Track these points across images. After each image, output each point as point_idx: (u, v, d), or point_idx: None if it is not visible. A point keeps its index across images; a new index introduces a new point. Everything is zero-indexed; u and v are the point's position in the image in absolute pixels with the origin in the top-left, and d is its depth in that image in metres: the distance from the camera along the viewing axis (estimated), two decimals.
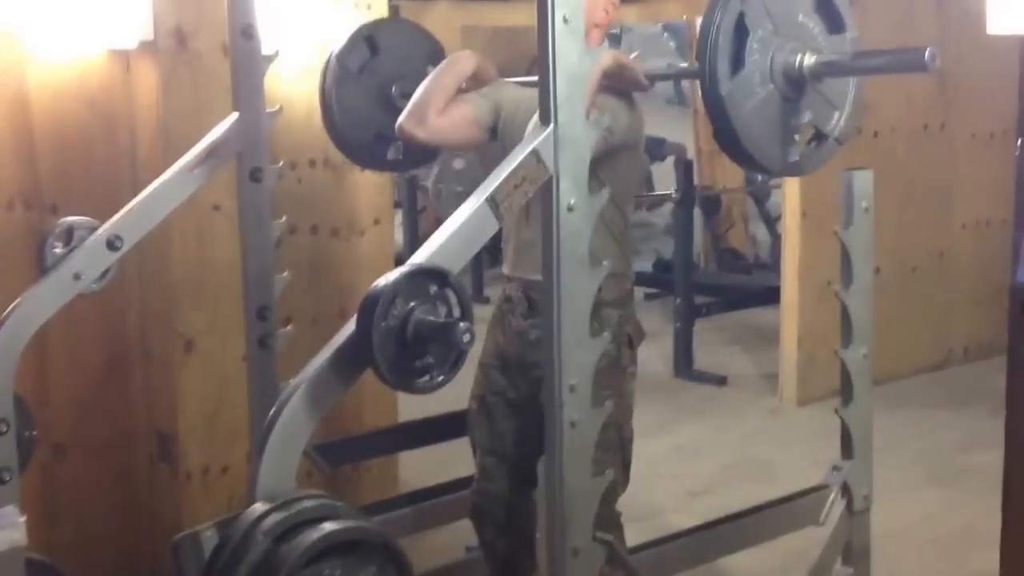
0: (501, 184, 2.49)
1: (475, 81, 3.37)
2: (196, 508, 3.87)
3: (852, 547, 3.22)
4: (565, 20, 2.40)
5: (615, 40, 9.40)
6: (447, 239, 2.46)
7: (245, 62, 3.39)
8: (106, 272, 3.16)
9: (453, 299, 2.37)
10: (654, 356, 6.79)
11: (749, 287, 7.77)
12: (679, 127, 8.97)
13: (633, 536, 3.24)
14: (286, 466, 2.32)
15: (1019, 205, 2.03)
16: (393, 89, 3.65)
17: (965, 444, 5.11)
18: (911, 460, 5.11)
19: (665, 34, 9.11)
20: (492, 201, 2.50)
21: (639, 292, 7.71)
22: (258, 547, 2.18)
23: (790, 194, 5.91)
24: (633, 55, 3.15)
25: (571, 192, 2.50)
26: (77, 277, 3.06)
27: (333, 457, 3.78)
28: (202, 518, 3.53)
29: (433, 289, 2.35)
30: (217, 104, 3.59)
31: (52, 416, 3.83)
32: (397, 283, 2.29)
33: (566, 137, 2.48)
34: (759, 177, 8.02)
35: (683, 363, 6.62)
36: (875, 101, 6.10)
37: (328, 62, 3.63)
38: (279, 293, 3.47)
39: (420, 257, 2.42)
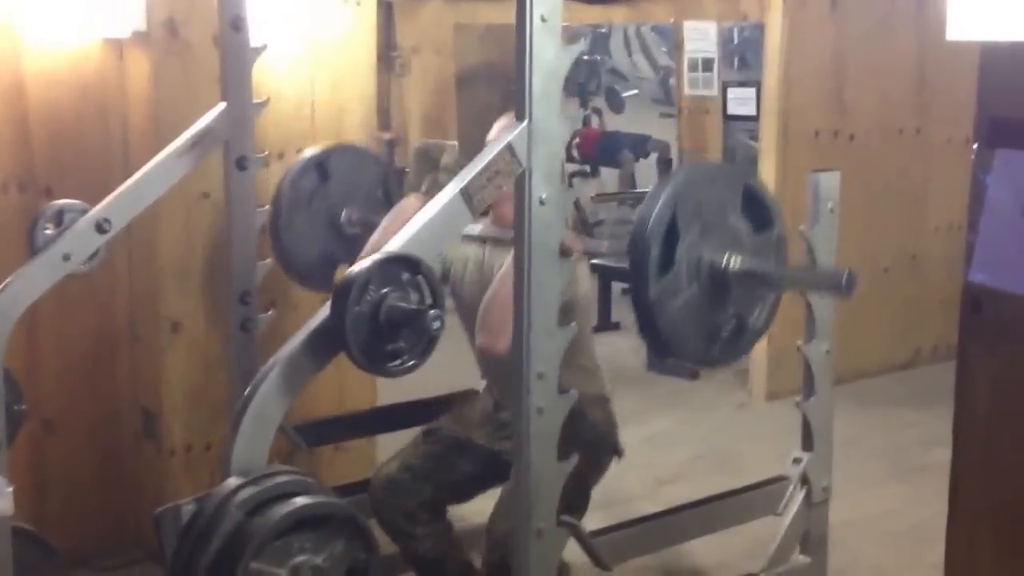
0: (475, 177, 2.59)
1: None
2: (179, 483, 3.96)
3: (810, 537, 3.29)
4: (543, 19, 2.49)
5: (603, 39, 9.45)
6: (420, 229, 2.55)
7: (234, 53, 3.50)
8: (95, 254, 3.26)
9: (425, 287, 2.48)
10: (628, 349, 6.87)
11: None
12: (665, 125, 9.06)
13: (602, 522, 3.30)
14: (260, 443, 2.41)
15: (972, 207, 2.13)
16: (343, 215, 3.82)
17: (928, 442, 5.17)
18: (875, 456, 5.22)
19: (653, 33, 9.20)
20: (466, 193, 2.59)
21: (617, 287, 7.79)
22: (231, 519, 2.28)
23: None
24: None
25: (543, 186, 2.59)
26: (66, 258, 3.16)
27: (312, 437, 3.89)
28: (185, 493, 3.59)
29: (406, 276, 2.46)
30: (207, 94, 3.70)
31: (42, 393, 3.93)
32: (370, 270, 2.40)
33: (540, 132, 2.58)
34: None
35: (656, 357, 6.63)
36: (852, 104, 6.20)
37: (280, 188, 3.76)
38: (262, 279, 3.58)
39: (394, 246, 2.53)
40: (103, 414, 4.08)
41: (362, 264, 2.41)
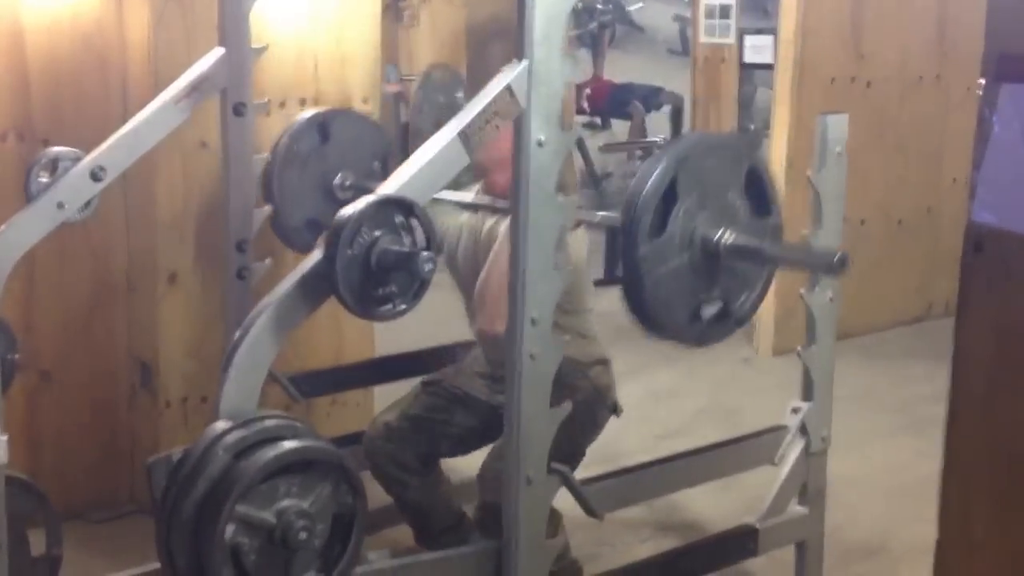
0: (474, 119, 2.55)
1: None
2: (175, 436, 3.92)
3: (808, 487, 3.28)
4: None
5: None
6: (417, 171, 2.52)
7: None
8: (90, 202, 3.22)
9: (419, 230, 2.44)
10: None
11: None
12: (681, 77, 8.96)
13: None
14: (249, 387, 2.39)
15: (977, 145, 2.09)
16: (337, 178, 3.76)
17: (939, 395, 5.01)
18: (885, 409, 5.17)
19: None
20: (463, 135, 2.56)
21: None
22: (218, 462, 2.26)
23: (777, 144, 5.87)
24: None
25: (541, 128, 2.57)
26: (60, 207, 3.11)
27: (309, 388, 3.86)
28: (181, 445, 3.62)
29: (399, 219, 2.42)
30: (207, 42, 3.63)
31: (39, 344, 3.91)
32: (363, 212, 2.36)
33: (540, 73, 2.55)
34: (751, 126, 7.98)
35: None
36: (870, 50, 6.08)
37: (278, 142, 3.69)
38: (259, 227, 3.55)
39: (389, 188, 2.49)
40: (100, 366, 4.06)
41: (355, 206, 2.37)
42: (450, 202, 3.45)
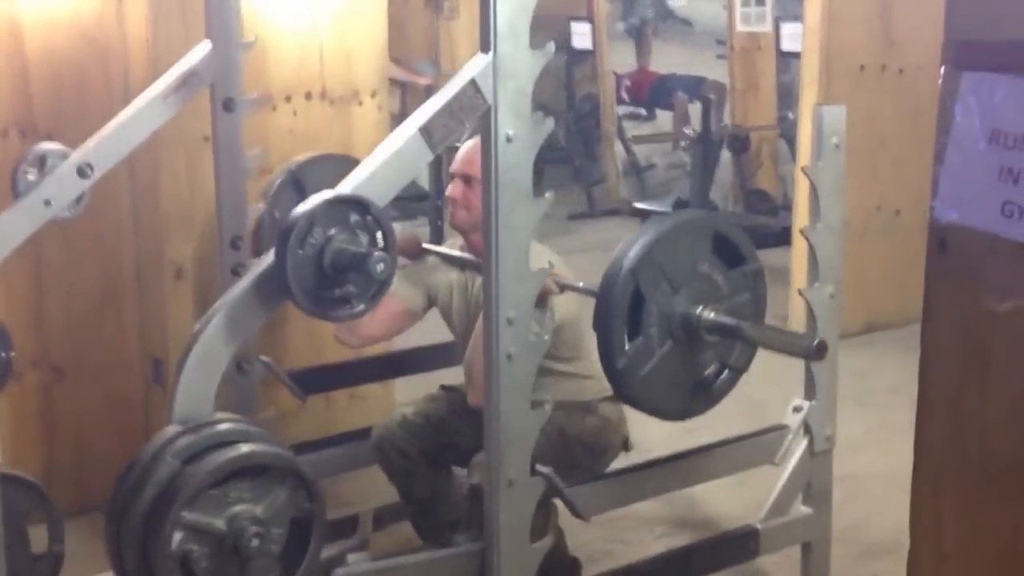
0: (437, 114, 2.49)
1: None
2: None
3: (812, 488, 3.20)
4: None
5: None
6: (377, 169, 2.46)
7: None
8: (80, 199, 3.19)
9: (377, 230, 2.38)
10: None
11: (770, 228, 7.47)
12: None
13: None
14: (203, 390, 2.36)
15: (939, 136, 1.99)
16: None
17: None
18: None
19: None
20: (426, 131, 2.50)
21: None
22: (166, 467, 2.22)
23: (805, 134, 5.67)
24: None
25: (510, 123, 2.50)
26: (47, 203, 3.07)
27: (318, 383, 3.83)
28: None
29: (354, 218, 2.36)
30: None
31: (50, 341, 3.91)
32: (314, 211, 2.30)
33: (506, 67, 2.48)
34: (791, 115, 7.85)
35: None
36: (901, 37, 5.91)
37: (261, 215, 3.64)
38: (253, 224, 3.52)
39: (346, 186, 2.43)
40: (112, 361, 4.04)
41: (306, 204, 2.32)
42: (437, 254, 3.44)
